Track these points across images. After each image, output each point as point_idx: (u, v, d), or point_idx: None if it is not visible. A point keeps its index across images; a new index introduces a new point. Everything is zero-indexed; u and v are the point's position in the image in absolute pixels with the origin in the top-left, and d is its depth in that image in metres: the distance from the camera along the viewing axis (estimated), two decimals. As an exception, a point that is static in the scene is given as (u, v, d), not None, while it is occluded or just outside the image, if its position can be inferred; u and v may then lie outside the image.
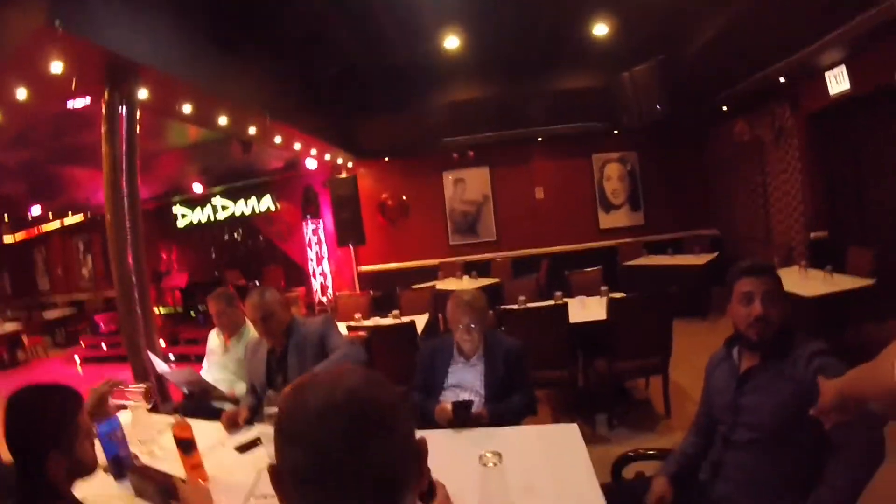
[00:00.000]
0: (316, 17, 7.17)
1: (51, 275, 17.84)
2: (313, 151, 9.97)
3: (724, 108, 9.19)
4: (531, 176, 10.99)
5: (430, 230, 11.33)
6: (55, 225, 16.35)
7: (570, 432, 2.43)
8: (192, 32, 5.97)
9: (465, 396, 2.92)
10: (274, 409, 2.42)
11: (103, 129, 5.03)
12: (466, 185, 11.20)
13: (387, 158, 11.35)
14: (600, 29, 7.82)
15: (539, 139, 10.51)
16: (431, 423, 2.80)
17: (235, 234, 13.97)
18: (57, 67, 4.75)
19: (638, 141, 10.70)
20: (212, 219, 13.47)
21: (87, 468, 1.69)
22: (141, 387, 2.78)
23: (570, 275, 7.24)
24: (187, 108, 6.31)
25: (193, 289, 11.90)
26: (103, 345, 11.42)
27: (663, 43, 8.12)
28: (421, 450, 0.90)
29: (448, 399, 2.93)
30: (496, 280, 8.76)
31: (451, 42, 8.10)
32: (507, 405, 2.95)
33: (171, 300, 12.08)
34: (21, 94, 5.39)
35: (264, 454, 2.41)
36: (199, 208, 13.53)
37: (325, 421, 0.82)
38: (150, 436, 2.72)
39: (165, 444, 2.61)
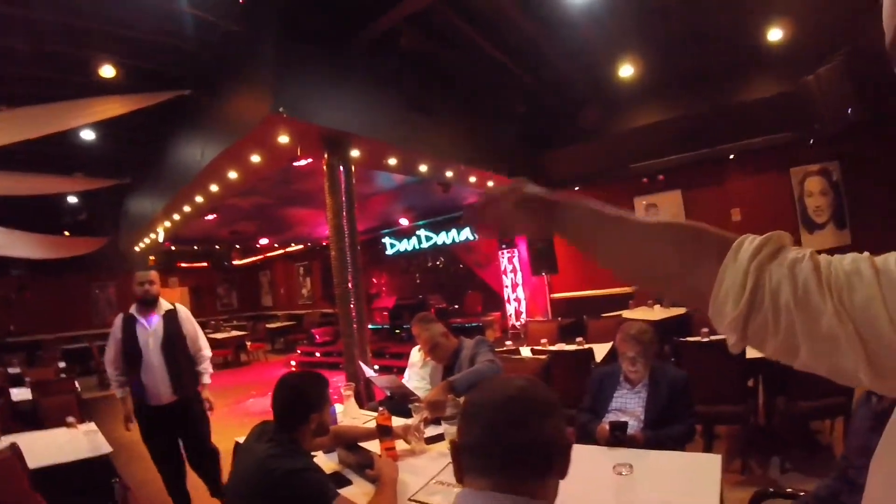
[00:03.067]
0: (495, 69, 7.88)
1: (274, 293, 21.03)
2: (507, 186, 10.57)
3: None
4: (726, 196, 9.97)
5: None
6: (279, 252, 18.91)
7: (711, 463, 2.44)
8: (390, 102, 7.13)
9: (624, 420, 3.24)
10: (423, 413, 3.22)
11: (326, 185, 6.28)
12: (659, 210, 10.52)
13: (577, 188, 11.28)
14: (775, 34, 7.44)
15: (731, 156, 9.62)
16: (592, 441, 3.16)
17: (438, 262, 14.93)
18: (284, 140, 6.07)
19: (840, 149, 8.93)
20: (417, 248, 14.69)
21: (326, 430, 2.49)
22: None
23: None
24: (392, 162, 7.44)
25: (400, 310, 12.97)
26: (317, 353, 13.09)
27: (847, 36, 7.10)
28: (568, 442, 1.16)
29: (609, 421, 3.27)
30: (684, 310, 8.10)
31: (626, 70, 8.25)
32: (664, 432, 3.11)
33: (380, 319, 13.19)
34: (255, 159, 6.80)
35: (444, 446, 3.01)
36: (405, 239, 14.89)
37: (498, 407, 1.12)
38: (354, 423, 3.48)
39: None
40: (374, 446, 2.96)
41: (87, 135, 9.16)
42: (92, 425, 4.55)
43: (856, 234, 9.09)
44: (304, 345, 14.50)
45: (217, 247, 17.50)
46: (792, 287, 0.67)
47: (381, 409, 3.02)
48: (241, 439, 2.60)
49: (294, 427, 2.33)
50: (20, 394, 6.66)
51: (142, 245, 14.01)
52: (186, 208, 9.91)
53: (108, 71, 7.22)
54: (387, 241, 15.53)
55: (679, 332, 6.24)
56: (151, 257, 15.26)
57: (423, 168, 8.21)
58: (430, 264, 15.16)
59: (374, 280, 15.95)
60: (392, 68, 7.18)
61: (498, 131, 9.67)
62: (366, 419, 3.62)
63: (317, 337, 14.27)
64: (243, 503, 2.15)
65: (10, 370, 9.31)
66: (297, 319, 18.31)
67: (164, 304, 4.61)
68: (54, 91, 7.20)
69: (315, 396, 2.41)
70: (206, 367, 4.67)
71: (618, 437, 2.97)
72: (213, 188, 8.41)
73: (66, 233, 14.09)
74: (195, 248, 16.85)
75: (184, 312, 4.69)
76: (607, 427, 3.04)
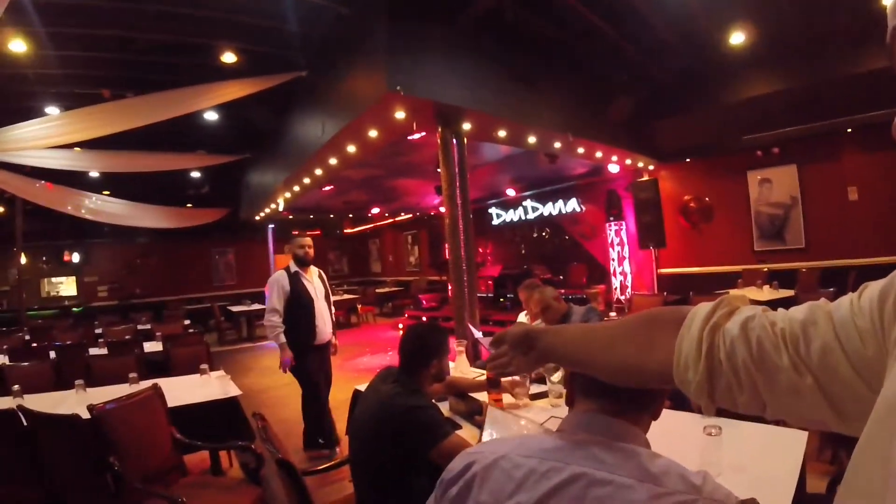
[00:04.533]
0: (600, 40, 7.85)
1: (382, 260, 21.98)
2: (614, 158, 10.52)
3: None
4: (843, 173, 9.13)
5: (734, 234, 10.62)
6: (388, 221, 19.67)
7: (797, 438, 2.43)
8: (501, 76, 7.31)
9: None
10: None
11: (440, 156, 6.62)
12: (773, 186, 10.05)
13: (688, 160, 11.10)
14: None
15: (848, 130, 8.82)
16: (688, 409, 3.28)
17: (543, 233, 15.01)
18: (400, 116, 6.50)
19: None
20: (522, 219, 14.83)
21: (443, 377, 2.78)
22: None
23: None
24: (502, 134, 7.69)
25: (504, 279, 13.25)
26: (423, 317, 13.39)
27: None
28: (662, 391, 1.26)
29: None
30: (790, 293, 8.08)
31: (737, 38, 7.94)
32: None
33: (484, 287, 13.34)
34: (373, 134, 7.27)
35: (547, 402, 3.25)
36: (511, 210, 15.07)
37: None
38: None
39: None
40: (482, 398, 3.23)
41: (210, 115, 9.82)
42: (222, 372, 5.07)
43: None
44: (411, 309, 15.09)
45: (331, 216, 18.33)
46: (746, 346, 0.70)
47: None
48: (361, 387, 2.93)
49: (417, 370, 2.61)
50: (151, 346, 7.35)
51: (261, 214, 14.91)
52: (306, 180, 10.50)
53: (229, 57, 7.76)
54: (493, 211, 15.75)
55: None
56: (271, 225, 16.23)
57: (531, 139, 8.37)
58: (535, 235, 15.25)
59: (479, 249, 16.20)
60: (499, 42, 7.33)
61: (609, 102, 9.55)
62: (474, 375, 3.89)
63: (423, 302, 14.85)
64: (368, 435, 2.43)
65: (140, 326, 10.26)
66: (404, 286, 19.05)
67: (314, 269, 5.53)
68: (180, 77, 7.81)
69: (436, 344, 2.69)
70: (333, 319, 5.57)
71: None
72: (332, 161, 8.91)
73: (189, 205, 15.21)
74: (310, 217, 17.72)
75: (324, 274, 5.65)
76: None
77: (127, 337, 8.39)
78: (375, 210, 17.56)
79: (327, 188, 11.98)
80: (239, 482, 3.59)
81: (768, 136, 9.51)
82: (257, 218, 15.42)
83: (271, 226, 16.59)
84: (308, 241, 5.46)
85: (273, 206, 13.40)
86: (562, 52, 8.16)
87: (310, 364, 5.25)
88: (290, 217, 16.19)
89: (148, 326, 10.39)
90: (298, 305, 5.22)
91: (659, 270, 11.79)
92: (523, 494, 1.08)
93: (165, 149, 10.83)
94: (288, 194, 11.95)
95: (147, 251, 17.18)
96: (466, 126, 6.96)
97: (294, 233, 15.80)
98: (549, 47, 7.96)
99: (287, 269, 5.38)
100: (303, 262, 5.40)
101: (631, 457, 1.10)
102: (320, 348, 5.35)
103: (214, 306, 14.90)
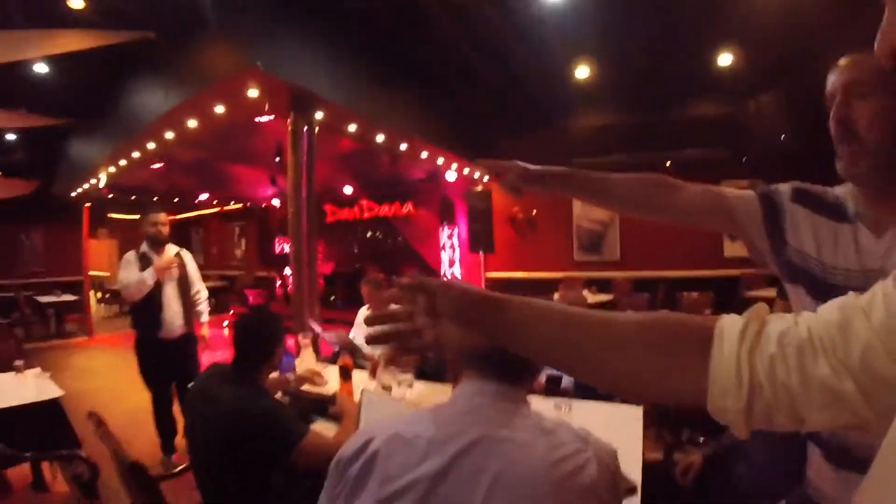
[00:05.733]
0: (460, 54, 8.11)
1: (206, 252, 20.23)
2: (454, 166, 10.89)
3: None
4: None
5: (557, 245, 11.57)
6: (214, 210, 18.63)
7: (633, 415, 2.75)
8: (360, 70, 7.34)
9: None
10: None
11: (289, 143, 6.46)
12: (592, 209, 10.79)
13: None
14: (725, 59, 7.86)
15: (668, 164, 9.99)
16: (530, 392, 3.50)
17: (377, 234, 15.05)
18: (253, 94, 6.22)
19: (767, 171, 8.41)
20: (357, 218, 14.82)
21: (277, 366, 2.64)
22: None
23: (682, 297, 8.17)
24: (352, 128, 7.67)
25: (336, 277, 13.21)
26: (251, 315, 12.89)
27: (791, 73, 7.71)
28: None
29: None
30: (611, 297, 9.18)
31: (582, 72, 8.57)
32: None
33: (315, 284, 13.12)
34: (219, 109, 6.88)
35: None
36: (347, 208, 14.97)
37: None
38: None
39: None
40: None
41: (40, 67, 8.75)
42: (39, 370, 4.50)
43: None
44: (237, 305, 14.46)
45: (155, 199, 17.03)
46: (784, 363, 0.66)
47: (345, 353, 3.32)
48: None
49: (259, 364, 2.44)
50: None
51: (78, 191, 13.53)
52: (136, 154, 9.76)
53: (76, 2, 6.88)
54: (328, 207, 15.52)
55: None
56: (87, 204, 14.72)
57: (379, 138, 8.43)
58: (369, 235, 15.28)
59: (310, 246, 15.90)
60: (363, 37, 7.33)
61: (456, 113, 9.99)
62: (320, 368, 3.85)
63: (249, 298, 14.29)
64: (214, 442, 2.23)
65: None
66: (230, 280, 18.02)
67: (172, 247, 4.94)
68: (14, 16, 6.92)
69: (280, 331, 2.54)
70: (205, 307, 5.05)
71: (553, 389, 3.32)
72: (169, 135, 8.35)
73: (-3, 173, 13.36)
74: (132, 198, 16.30)
75: (187, 255, 5.07)
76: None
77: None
78: (203, 196, 16.61)
79: (157, 166, 11.18)
80: (70, 497, 3.21)
81: (595, 161, 10.05)
82: (73, 195, 13.92)
83: (87, 205, 15.03)
84: (162, 217, 4.88)
85: (93, 181, 12.24)
86: (422, 60, 8.35)
87: (153, 363, 4.74)
88: (111, 196, 14.81)
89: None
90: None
91: (486, 274, 12.34)
92: (430, 462, 1.13)
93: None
94: (112, 169, 11.01)
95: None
96: (319, 115, 6.85)
97: (109, 215, 14.41)
98: (412, 54, 8.11)
99: (137, 250, 4.83)
100: (156, 242, 4.81)
101: (524, 416, 1.22)
102: (170, 344, 4.75)
103: (20, 296, 13.33)
